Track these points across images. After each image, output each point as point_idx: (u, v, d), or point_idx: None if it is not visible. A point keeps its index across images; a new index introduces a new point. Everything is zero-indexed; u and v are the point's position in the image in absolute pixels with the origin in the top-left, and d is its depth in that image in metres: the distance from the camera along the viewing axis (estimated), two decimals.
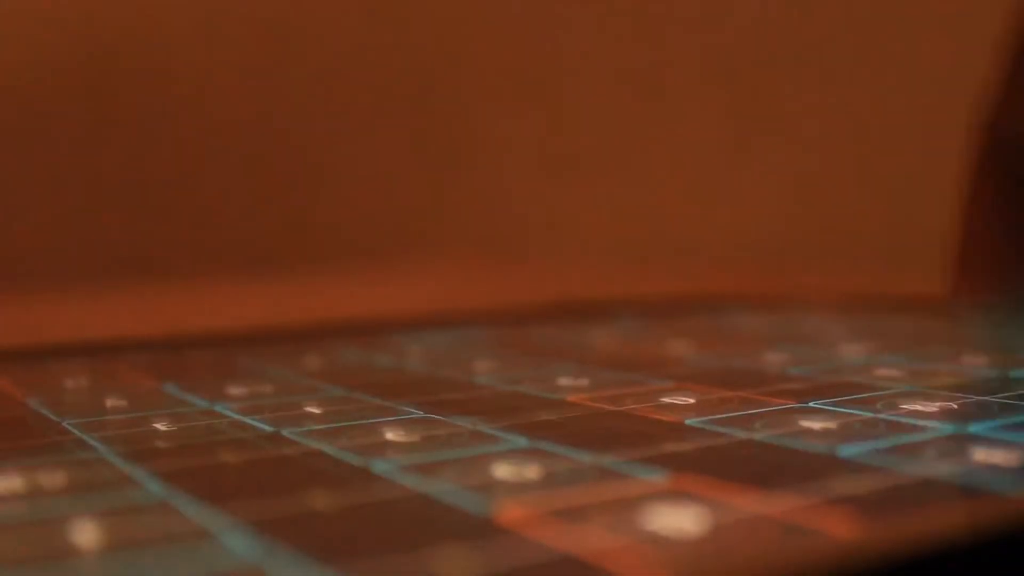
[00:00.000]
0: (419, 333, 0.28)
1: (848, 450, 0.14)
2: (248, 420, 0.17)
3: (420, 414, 0.17)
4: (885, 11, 0.55)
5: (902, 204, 0.53)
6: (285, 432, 0.16)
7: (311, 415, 0.17)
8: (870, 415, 0.16)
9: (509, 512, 0.11)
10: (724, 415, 0.16)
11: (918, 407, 0.16)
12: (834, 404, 0.17)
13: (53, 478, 0.13)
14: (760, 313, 0.31)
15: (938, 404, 0.16)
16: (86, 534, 0.11)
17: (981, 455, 0.13)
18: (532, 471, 0.13)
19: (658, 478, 0.13)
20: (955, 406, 0.16)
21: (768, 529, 0.11)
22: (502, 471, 0.13)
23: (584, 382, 0.20)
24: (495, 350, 0.25)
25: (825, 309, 0.31)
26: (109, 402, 0.19)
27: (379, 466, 0.14)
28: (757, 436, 0.15)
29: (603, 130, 0.66)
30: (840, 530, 0.10)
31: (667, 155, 0.63)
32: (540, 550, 0.10)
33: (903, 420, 0.15)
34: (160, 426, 0.17)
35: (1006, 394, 0.17)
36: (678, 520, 0.11)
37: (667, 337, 0.26)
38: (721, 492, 0.12)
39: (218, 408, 0.18)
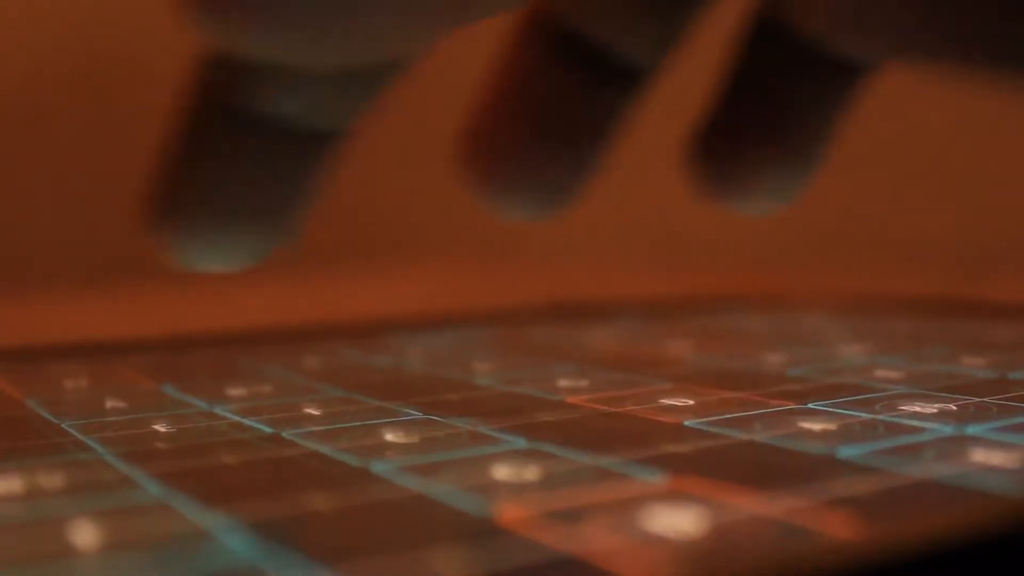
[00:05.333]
0: (419, 333, 0.28)
1: (847, 451, 0.14)
2: (247, 421, 0.17)
3: (419, 415, 0.17)
4: None
5: (902, 204, 0.53)
6: (284, 433, 0.16)
7: (310, 416, 0.17)
8: (869, 416, 0.16)
9: (509, 512, 0.11)
10: (723, 416, 0.16)
11: (917, 408, 0.16)
12: (833, 405, 0.17)
13: (52, 479, 0.13)
14: (760, 313, 0.31)
15: (937, 405, 0.16)
16: (86, 534, 0.11)
17: (980, 456, 0.13)
18: (531, 472, 0.13)
19: (657, 479, 0.13)
20: (954, 407, 0.16)
21: (768, 529, 0.11)
22: (501, 472, 0.13)
23: (584, 383, 0.20)
24: (495, 350, 0.25)
25: (825, 309, 0.31)
26: (108, 403, 0.19)
27: (378, 467, 0.14)
28: (756, 437, 0.15)
29: None
30: (839, 531, 0.10)
31: (667, 155, 0.63)
32: (540, 550, 0.10)
33: (902, 421, 0.15)
34: (159, 427, 0.17)
35: (1004, 395, 0.17)
36: (677, 521, 0.11)
37: (667, 337, 0.26)
38: (720, 493, 0.12)
39: (218, 409, 0.18)
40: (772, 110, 0.15)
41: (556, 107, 0.16)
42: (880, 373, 0.20)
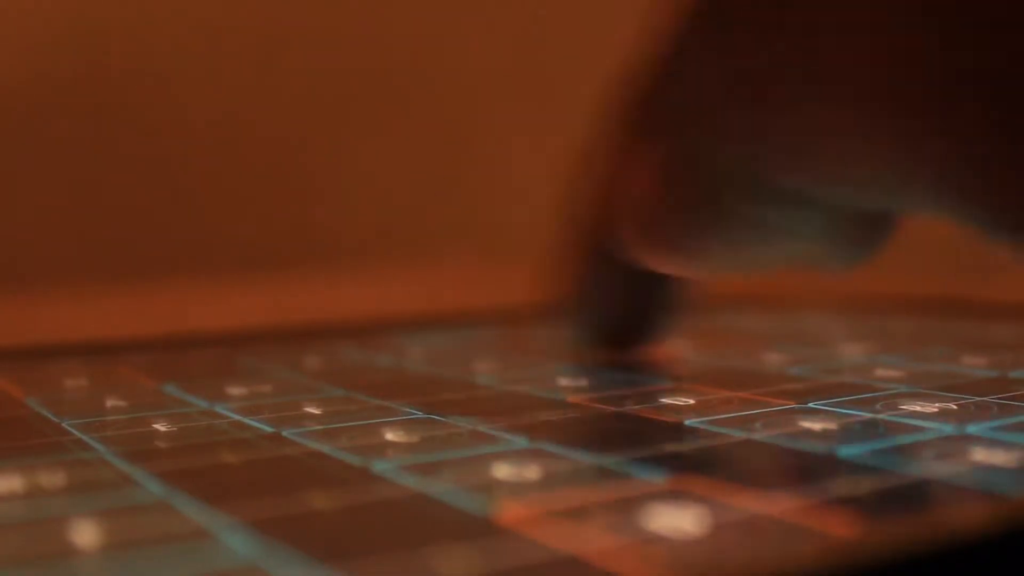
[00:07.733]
0: (419, 333, 0.28)
1: (847, 450, 0.14)
2: (248, 420, 0.17)
3: (420, 414, 0.17)
4: None
5: None
6: (285, 432, 0.16)
7: (311, 415, 0.17)
8: (869, 415, 0.16)
9: (509, 512, 0.11)
10: (724, 415, 0.16)
11: (917, 407, 0.16)
12: (834, 404, 0.17)
13: (53, 478, 0.13)
14: (760, 313, 0.31)
15: (937, 405, 0.16)
16: (86, 534, 0.11)
17: (980, 456, 0.13)
18: (532, 471, 0.13)
19: (658, 478, 0.13)
20: (954, 407, 0.16)
21: (768, 529, 0.11)
22: (502, 471, 0.13)
23: (584, 382, 0.20)
24: (495, 350, 0.25)
25: (825, 309, 0.31)
26: (109, 402, 0.19)
27: (379, 466, 0.14)
28: (757, 436, 0.15)
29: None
30: (839, 530, 0.10)
31: None
32: (540, 550, 0.10)
33: (902, 420, 0.15)
34: (160, 426, 0.17)
35: (1005, 395, 0.17)
36: (678, 520, 0.11)
37: (666, 337, 0.26)
38: (721, 492, 0.12)
39: (218, 408, 0.18)
40: None
41: None
42: (880, 372, 0.20)
